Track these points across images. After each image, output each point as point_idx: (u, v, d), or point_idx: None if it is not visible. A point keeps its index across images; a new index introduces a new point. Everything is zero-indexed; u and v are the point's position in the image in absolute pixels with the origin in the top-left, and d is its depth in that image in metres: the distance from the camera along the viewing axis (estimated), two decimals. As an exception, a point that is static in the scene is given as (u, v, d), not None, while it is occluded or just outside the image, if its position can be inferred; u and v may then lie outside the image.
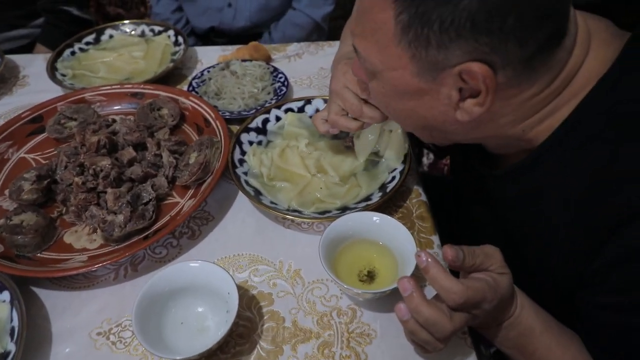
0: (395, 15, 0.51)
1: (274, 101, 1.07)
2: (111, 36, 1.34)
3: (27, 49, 1.57)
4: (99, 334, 0.70)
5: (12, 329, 0.65)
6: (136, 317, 0.63)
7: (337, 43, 1.27)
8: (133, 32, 1.35)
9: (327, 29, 1.60)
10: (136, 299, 0.65)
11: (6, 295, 0.69)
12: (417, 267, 0.65)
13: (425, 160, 1.65)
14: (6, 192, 0.87)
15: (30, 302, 0.74)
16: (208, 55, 1.29)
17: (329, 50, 1.27)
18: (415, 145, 0.86)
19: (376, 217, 0.73)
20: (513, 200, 0.68)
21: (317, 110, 0.98)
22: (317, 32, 1.57)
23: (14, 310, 0.66)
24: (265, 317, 0.71)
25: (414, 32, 0.51)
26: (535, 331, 0.61)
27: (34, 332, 0.70)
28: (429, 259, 0.54)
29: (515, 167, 0.64)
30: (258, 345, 0.68)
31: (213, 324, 0.68)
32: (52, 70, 1.18)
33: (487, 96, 0.52)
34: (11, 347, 0.63)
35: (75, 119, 1.00)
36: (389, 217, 0.73)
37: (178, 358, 0.61)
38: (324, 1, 1.52)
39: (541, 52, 0.52)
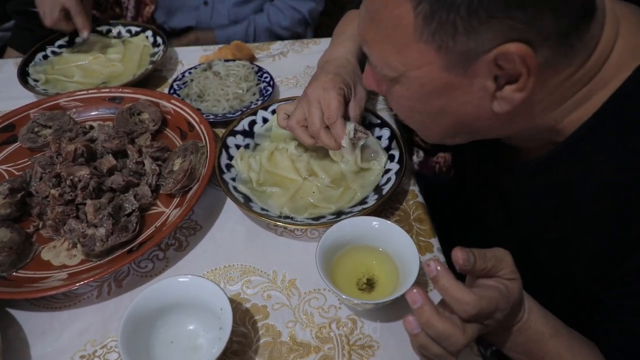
0: (414, 7, 0.49)
1: (260, 102, 1.04)
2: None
3: (-2, 53, 1.50)
4: (82, 357, 0.66)
5: (-13, 357, 0.61)
6: (122, 338, 0.59)
7: (322, 40, 1.24)
8: (109, 34, 1.30)
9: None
10: (122, 318, 0.61)
11: (-21, 320, 0.64)
12: (419, 273, 0.63)
13: (415, 158, 1.62)
14: (-23, 207, 0.82)
15: (7, 325, 0.69)
16: (189, 56, 1.25)
17: (314, 48, 1.23)
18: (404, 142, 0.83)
19: (375, 222, 0.70)
20: (536, 194, 0.65)
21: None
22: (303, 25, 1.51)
23: (-11, 336, 0.62)
24: (260, 332, 0.67)
25: (438, 21, 0.48)
26: (544, 336, 0.59)
27: (12, 358, 0.65)
28: (439, 267, 0.51)
29: (546, 157, 0.61)
30: (254, 363, 0.64)
31: (205, 342, 0.64)
32: (23, 75, 1.13)
33: (528, 78, 0.49)
34: (-14, 377, 0.59)
35: (49, 127, 0.96)
36: (388, 221, 0.69)
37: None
38: None
39: (577, 26, 0.49)
